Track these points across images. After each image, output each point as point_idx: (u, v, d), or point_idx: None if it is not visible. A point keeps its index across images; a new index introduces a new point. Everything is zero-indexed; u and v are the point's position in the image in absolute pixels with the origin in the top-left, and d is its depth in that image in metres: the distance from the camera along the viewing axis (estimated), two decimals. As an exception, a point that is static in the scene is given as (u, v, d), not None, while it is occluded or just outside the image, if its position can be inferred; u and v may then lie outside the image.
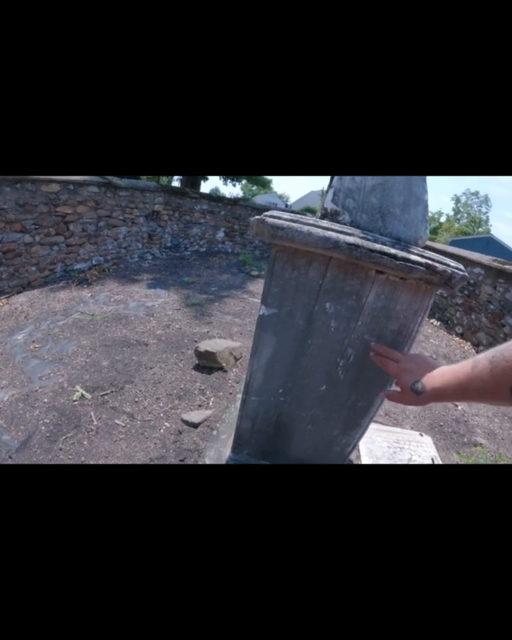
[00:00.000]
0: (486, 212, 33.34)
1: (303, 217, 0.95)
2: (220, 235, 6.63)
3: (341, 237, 0.89)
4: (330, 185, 1.07)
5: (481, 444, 2.63)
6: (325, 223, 0.94)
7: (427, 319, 6.02)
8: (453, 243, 25.53)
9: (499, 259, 5.09)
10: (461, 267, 0.95)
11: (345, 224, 1.02)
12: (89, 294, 4.02)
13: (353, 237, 0.90)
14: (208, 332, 3.33)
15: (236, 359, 2.83)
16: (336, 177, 1.03)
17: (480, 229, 32.25)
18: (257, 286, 5.06)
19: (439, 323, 5.94)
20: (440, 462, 2.13)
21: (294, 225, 0.91)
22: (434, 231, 29.39)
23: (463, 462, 2.34)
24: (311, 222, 0.93)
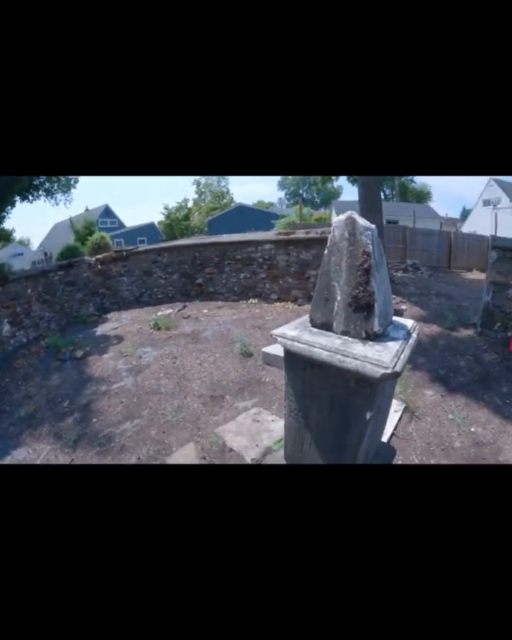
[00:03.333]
0: (225, 185, 37.25)
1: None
2: (6, 327, 5.22)
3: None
4: (373, 314, 1.39)
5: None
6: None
7: (246, 300, 6.77)
8: (211, 223, 27.87)
9: (281, 230, 6.17)
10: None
11: (386, 336, 1.48)
12: None
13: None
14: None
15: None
16: (375, 310, 1.39)
17: (224, 201, 36.44)
18: (97, 370, 4.41)
19: (256, 300, 6.76)
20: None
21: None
22: (186, 218, 31.11)
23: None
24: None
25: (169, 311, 6.39)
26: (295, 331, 1.51)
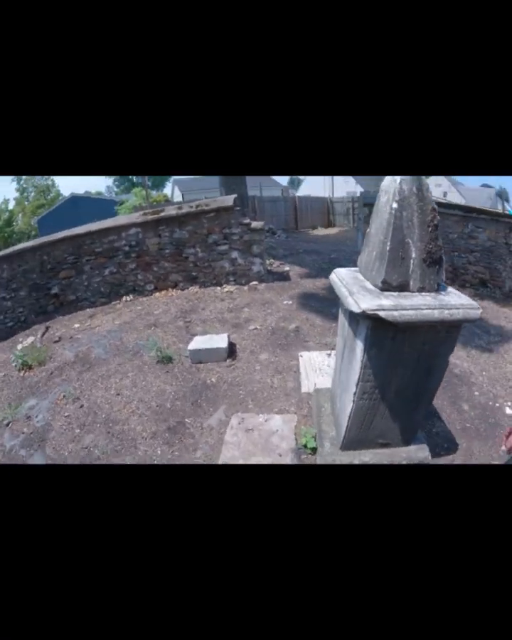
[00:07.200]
0: (49, 177, 31.52)
1: None
2: None
3: None
4: (441, 267, 1.50)
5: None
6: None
7: (119, 300, 6.05)
8: (41, 222, 23.38)
9: (148, 210, 5.47)
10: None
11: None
12: None
13: None
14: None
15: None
16: (444, 262, 1.47)
17: (51, 195, 31.23)
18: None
19: (130, 296, 6.11)
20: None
21: None
22: (9, 223, 25.96)
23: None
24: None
25: (30, 339, 5.09)
26: (383, 300, 1.39)
